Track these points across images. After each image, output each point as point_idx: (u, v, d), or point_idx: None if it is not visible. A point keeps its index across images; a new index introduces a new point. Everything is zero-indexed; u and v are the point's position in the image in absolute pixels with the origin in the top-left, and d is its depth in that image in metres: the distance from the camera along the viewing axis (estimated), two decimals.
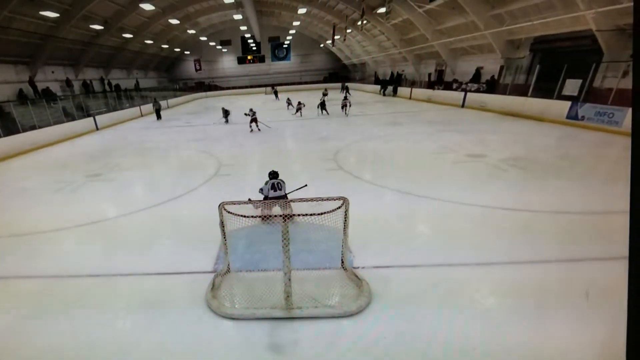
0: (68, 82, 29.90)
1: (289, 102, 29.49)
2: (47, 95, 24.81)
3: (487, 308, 4.81)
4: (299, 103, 25.10)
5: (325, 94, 31.63)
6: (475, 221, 7.27)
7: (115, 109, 28.87)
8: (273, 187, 6.88)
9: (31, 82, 25.16)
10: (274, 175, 7.23)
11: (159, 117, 28.60)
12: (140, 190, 10.92)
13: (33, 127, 18.56)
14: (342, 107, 23.97)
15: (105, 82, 36.31)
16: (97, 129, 24.04)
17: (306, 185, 7.49)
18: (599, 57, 16.33)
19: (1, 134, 16.35)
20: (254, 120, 19.33)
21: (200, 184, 10.41)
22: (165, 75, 55.78)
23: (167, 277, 5.84)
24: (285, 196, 6.95)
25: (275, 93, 43.06)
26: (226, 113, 23.88)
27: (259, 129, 19.35)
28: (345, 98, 25.48)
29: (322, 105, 24.45)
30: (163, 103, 37.94)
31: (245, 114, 20.20)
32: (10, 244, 7.38)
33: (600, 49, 16.26)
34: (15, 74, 24.40)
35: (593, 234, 6.46)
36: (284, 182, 7.12)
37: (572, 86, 16.80)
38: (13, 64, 24.08)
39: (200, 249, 6.49)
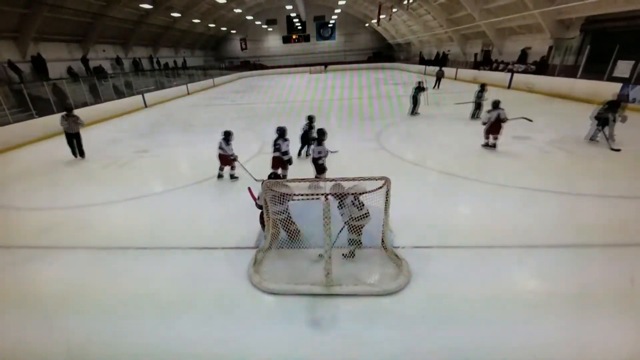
0: (118, 60, 30.92)
1: None
2: (99, 73, 25.69)
3: (527, 291, 4.72)
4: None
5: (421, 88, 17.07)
6: (518, 203, 7.17)
7: (163, 87, 29.38)
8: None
9: (84, 60, 26.13)
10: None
11: (76, 153, 12.09)
12: (186, 167, 11.19)
13: (85, 104, 19.26)
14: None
15: (154, 60, 37.23)
16: (146, 106, 24.75)
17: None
18: None
19: (55, 110, 16.96)
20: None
21: (244, 162, 10.56)
22: (212, 54, 56.57)
23: (210, 251, 5.99)
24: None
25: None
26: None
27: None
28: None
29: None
30: (207, 82, 38.11)
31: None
32: (63, 217, 7.71)
33: None
34: (68, 52, 25.31)
35: (639, 219, 6.27)
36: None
37: (623, 67, 16.14)
38: (66, 42, 24.99)
39: (243, 224, 6.61)
